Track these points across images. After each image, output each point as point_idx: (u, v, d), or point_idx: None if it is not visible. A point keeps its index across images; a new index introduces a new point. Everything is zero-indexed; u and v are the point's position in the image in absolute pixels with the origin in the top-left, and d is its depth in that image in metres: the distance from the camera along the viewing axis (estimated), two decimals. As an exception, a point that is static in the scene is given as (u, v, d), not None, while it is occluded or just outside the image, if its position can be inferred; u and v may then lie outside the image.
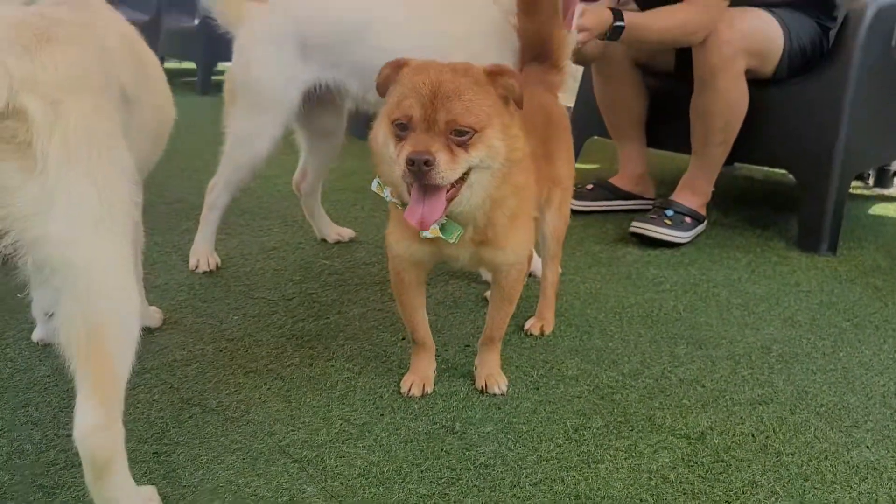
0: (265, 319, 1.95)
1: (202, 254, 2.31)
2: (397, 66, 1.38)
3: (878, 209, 3.23)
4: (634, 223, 2.59)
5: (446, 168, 1.27)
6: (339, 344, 1.83)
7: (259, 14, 2.19)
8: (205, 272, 2.25)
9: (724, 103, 2.49)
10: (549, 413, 1.54)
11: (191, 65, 6.94)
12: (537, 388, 1.64)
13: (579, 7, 2.15)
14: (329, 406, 1.55)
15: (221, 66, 7.27)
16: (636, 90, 2.92)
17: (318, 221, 2.59)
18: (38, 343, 1.74)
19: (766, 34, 2.51)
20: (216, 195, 2.34)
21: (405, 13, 2.14)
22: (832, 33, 2.63)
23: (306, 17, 2.15)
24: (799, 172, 2.65)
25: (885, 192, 3.54)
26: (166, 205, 2.95)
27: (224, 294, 2.10)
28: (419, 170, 1.25)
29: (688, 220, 2.61)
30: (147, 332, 1.84)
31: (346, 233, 2.60)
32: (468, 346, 1.83)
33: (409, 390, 1.59)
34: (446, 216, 1.38)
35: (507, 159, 1.35)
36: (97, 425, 1.06)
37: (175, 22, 6.68)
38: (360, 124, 4.44)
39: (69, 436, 1.08)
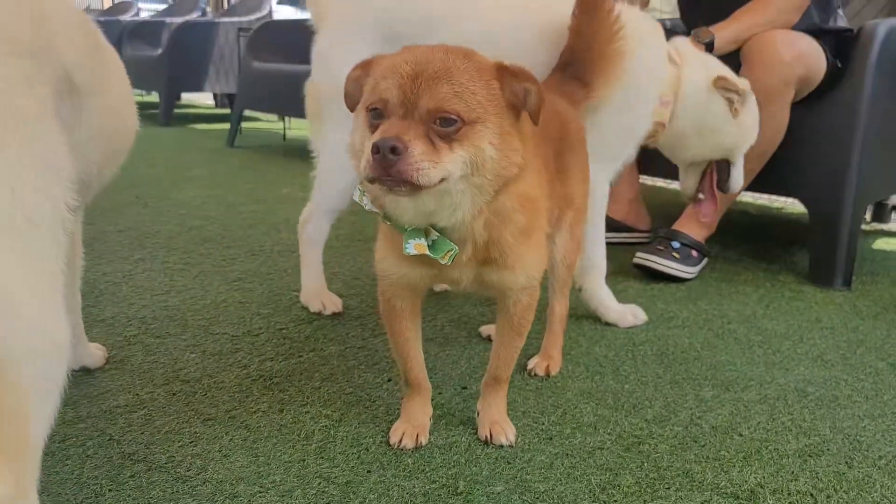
0: (227, 358, 1.68)
1: (319, 295, 2.01)
2: (365, 63, 1.15)
3: (882, 244, 3.07)
4: (640, 255, 2.38)
5: (421, 158, 1.00)
6: (314, 386, 1.56)
7: (338, 8, 1.93)
8: (318, 312, 1.97)
9: (770, 129, 2.28)
10: (569, 468, 1.29)
11: (154, 98, 6.70)
12: (550, 439, 1.39)
13: None
14: (304, 461, 1.28)
15: (189, 99, 7.06)
16: None
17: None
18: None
19: (817, 59, 2.33)
20: (314, 227, 2.02)
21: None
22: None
23: (388, 4, 1.88)
24: (810, 201, 2.47)
25: (884, 226, 3.39)
26: (118, 232, 2.66)
27: (180, 329, 1.82)
28: (385, 159, 0.99)
29: (694, 253, 2.41)
30: (85, 373, 1.56)
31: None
32: (465, 387, 1.58)
33: (401, 441, 1.33)
34: (437, 232, 1.15)
35: (499, 174, 1.09)
36: (3, 496, 0.79)
37: (137, 51, 6.44)
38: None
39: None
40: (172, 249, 2.47)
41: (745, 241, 2.93)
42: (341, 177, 1.91)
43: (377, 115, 1.06)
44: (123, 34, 6.61)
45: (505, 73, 1.10)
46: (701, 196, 2.28)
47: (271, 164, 4.43)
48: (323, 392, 1.53)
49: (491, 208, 1.14)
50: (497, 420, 1.38)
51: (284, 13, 10.07)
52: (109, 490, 1.17)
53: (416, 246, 1.13)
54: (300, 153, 4.87)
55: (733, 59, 2.29)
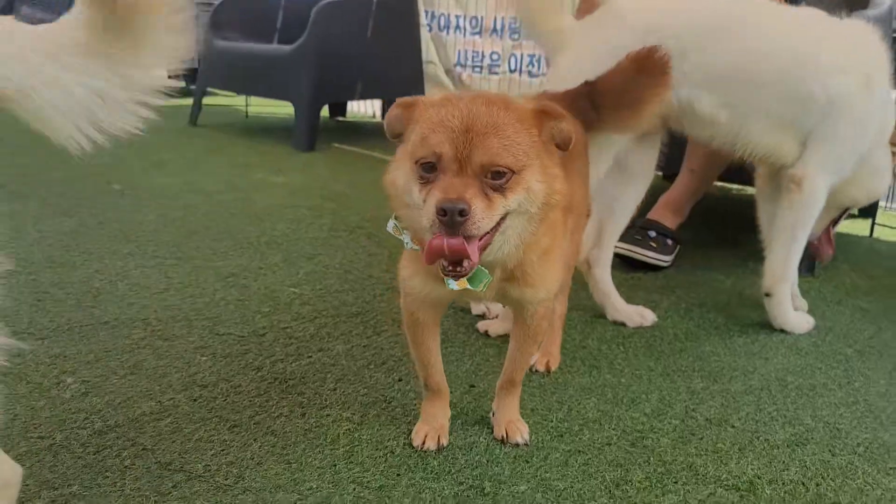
0: (238, 360, 1.72)
1: (634, 312, 2.05)
2: (409, 105, 1.20)
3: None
4: (619, 244, 2.47)
5: (483, 217, 1.08)
6: (329, 388, 1.62)
7: (585, 32, 1.86)
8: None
9: None
10: (583, 465, 1.38)
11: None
12: (561, 436, 1.48)
13: None
14: (335, 466, 1.34)
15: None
16: None
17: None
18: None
19: None
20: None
21: (775, 10, 1.93)
22: None
23: (649, 23, 1.83)
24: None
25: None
26: (99, 225, 2.64)
27: (186, 331, 1.85)
28: (452, 221, 1.06)
29: (669, 242, 2.52)
30: (102, 379, 1.59)
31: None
32: (473, 386, 1.67)
33: (424, 443, 1.41)
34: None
35: (546, 203, 1.17)
36: None
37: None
38: (306, 133, 4.20)
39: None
40: (160, 243, 2.47)
41: (708, 226, 3.06)
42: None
43: (429, 168, 1.12)
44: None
45: (543, 118, 1.17)
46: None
47: (237, 145, 4.39)
48: (339, 394, 1.60)
49: (526, 239, 1.21)
50: (512, 420, 1.46)
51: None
52: (155, 501, 1.22)
53: (458, 282, 1.18)
54: (264, 132, 4.84)
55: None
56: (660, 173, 3.74)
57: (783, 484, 1.36)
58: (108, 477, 1.28)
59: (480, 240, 1.12)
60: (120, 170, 3.49)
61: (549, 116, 1.17)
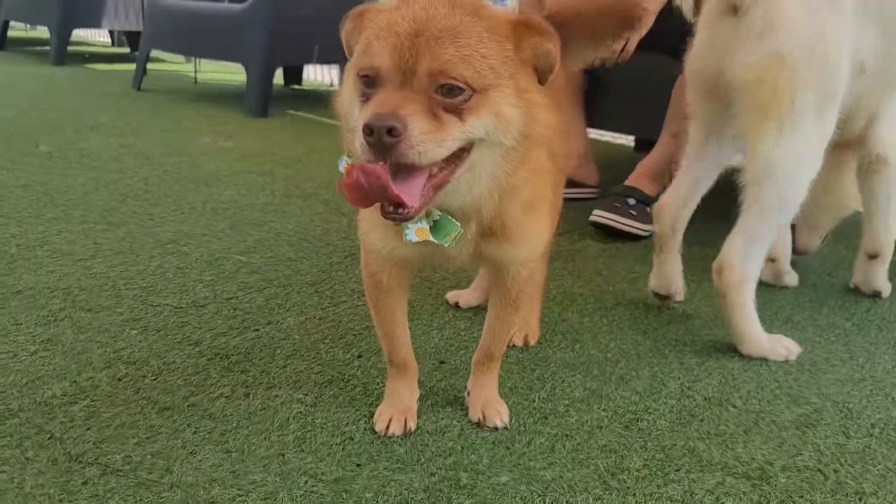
0: (174, 334, 1.50)
1: (771, 342, 1.60)
2: (360, 12, 1.00)
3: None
4: (598, 213, 2.30)
5: (423, 139, 0.86)
6: (278, 365, 1.41)
7: None
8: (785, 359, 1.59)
9: None
10: (572, 451, 1.20)
11: (41, 33, 6.11)
12: (545, 418, 1.29)
13: None
14: (283, 455, 1.14)
15: (78, 33, 6.49)
16: None
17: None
18: None
19: None
20: (756, 263, 1.58)
21: None
22: None
23: None
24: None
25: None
26: (21, 188, 2.38)
27: (114, 301, 1.62)
28: (380, 141, 0.85)
29: (648, 210, 2.35)
30: (9, 355, 1.35)
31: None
32: (443, 362, 1.47)
33: (388, 428, 1.21)
34: (439, 211, 1.01)
35: (524, 134, 0.96)
36: None
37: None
38: (258, 98, 3.96)
39: None
40: (90, 208, 2.22)
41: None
42: (802, 182, 1.50)
43: (370, 83, 0.91)
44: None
45: (522, 31, 0.96)
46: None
47: (185, 110, 4.10)
48: (290, 371, 1.39)
49: (504, 182, 1.00)
50: (490, 400, 1.27)
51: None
52: (60, 501, 1.00)
53: (417, 231, 0.98)
54: (215, 99, 4.55)
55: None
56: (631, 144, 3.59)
57: (798, 471, 1.19)
58: (4, 472, 1.05)
59: (436, 176, 0.92)
60: (50, 132, 3.19)
61: (531, 31, 0.96)
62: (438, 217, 1.01)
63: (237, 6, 3.98)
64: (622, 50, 2.22)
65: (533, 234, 1.13)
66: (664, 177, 2.47)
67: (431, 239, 1.00)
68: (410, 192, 0.89)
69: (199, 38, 4.23)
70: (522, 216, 1.09)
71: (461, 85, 0.89)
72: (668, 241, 1.82)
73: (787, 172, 1.50)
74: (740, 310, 1.57)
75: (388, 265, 1.15)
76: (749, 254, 1.57)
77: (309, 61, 4.59)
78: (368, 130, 0.85)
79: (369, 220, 1.13)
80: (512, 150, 0.96)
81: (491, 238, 1.09)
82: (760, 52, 1.45)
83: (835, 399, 1.43)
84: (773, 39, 1.44)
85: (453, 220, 1.01)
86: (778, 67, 1.44)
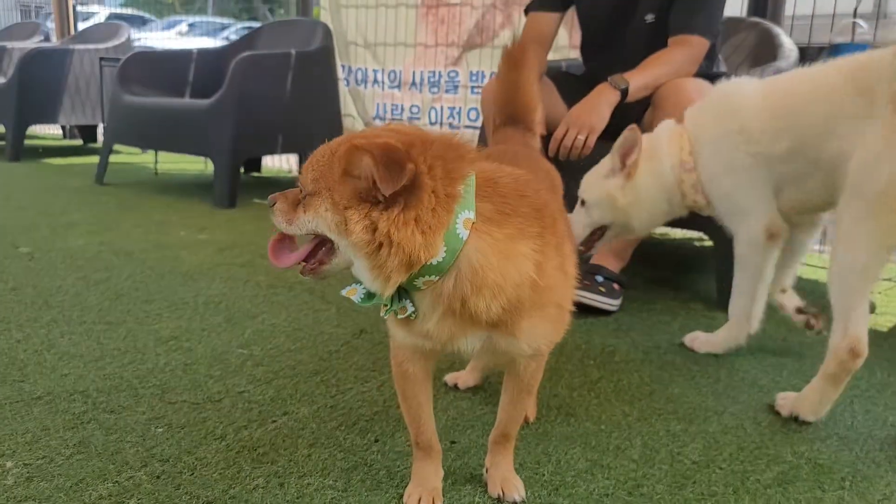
0: (198, 429, 1.58)
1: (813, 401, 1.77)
2: None
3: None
4: (571, 291, 2.47)
5: (279, 214, 1.20)
6: (303, 454, 1.50)
7: None
8: None
9: None
10: (587, 519, 1.33)
11: (-2, 128, 6.13)
12: (556, 489, 1.42)
13: None
14: (328, 540, 1.23)
15: (32, 130, 6.52)
16: None
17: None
18: None
19: None
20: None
21: None
22: None
23: None
24: (713, 234, 2.67)
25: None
26: (11, 291, 2.43)
27: (133, 401, 1.69)
28: (272, 212, 1.22)
29: (616, 286, 2.54)
30: (45, 460, 1.42)
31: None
32: (454, 442, 1.59)
33: (419, 508, 1.32)
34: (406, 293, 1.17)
35: (351, 242, 1.11)
36: None
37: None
38: (226, 190, 4.04)
39: None
40: (86, 308, 2.28)
41: (643, 268, 3.12)
42: None
43: None
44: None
45: (349, 152, 1.09)
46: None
47: (152, 202, 4.19)
48: (315, 460, 1.48)
49: (458, 277, 1.13)
50: (507, 476, 1.39)
51: (154, 40, 9.54)
52: None
53: (348, 292, 1.23)
54: (179, 190, 4.65)
55: (642, 103, 2.50)
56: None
57: (786, 523, 1.34)
58: (72, 573, 1.12)
59: (316, 251, 1.20)
60: (25, 232, 3.25)
61: (355, 150, 1.09)
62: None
63: (203, 102, 4.12)
64: (583, 146, 2.43)
65: (535, 333, 1.22)
66: (627, 254, 2.68)
67: (354, 299, 1.21)
68: (277, 253, 1.24)
69: (165, 132, 4.35)
70: (526, 314, 1.18)
71: (300, 185, 1.18)
72: None
73: None
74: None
75: (410, 353, 1.28)
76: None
77: (273, 151, 4.74)
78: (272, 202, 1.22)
79: (392, 318, 1.26)
80: (359, 252, 1.12)
81: (498, 330, 1.21)
82: None
83: (808, 457, 1.60)
84: None
85: (370, 292, 1.18)
86: None
